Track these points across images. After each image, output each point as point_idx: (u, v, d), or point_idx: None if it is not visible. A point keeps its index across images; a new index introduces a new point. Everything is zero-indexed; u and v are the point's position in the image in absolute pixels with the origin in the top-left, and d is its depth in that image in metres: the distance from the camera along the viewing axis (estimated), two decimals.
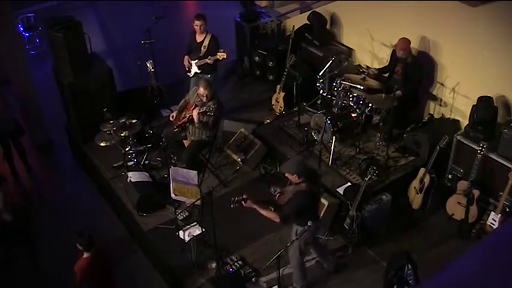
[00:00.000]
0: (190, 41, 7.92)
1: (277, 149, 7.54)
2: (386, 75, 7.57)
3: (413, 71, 7.19)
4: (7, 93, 8.44)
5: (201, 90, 6.86)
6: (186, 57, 7.90)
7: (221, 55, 7.54)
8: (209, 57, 7.59)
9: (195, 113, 6.78)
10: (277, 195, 5.62)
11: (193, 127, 7.06)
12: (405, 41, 7.14)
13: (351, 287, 6.02)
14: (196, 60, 7.79)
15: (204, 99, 6.90)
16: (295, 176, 5.28)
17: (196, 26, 7.67)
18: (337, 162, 7.13)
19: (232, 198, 5.39)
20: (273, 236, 6.48)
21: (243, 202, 5.37)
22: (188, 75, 8.02)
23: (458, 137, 6.75)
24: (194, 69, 7.86)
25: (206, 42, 7.70)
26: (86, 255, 5.26)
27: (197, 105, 6.97)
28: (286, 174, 5.37)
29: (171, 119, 7.21)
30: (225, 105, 7.54)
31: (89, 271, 5.25)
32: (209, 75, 7.82)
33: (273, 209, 5.39)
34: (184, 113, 7.15)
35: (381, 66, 7.74)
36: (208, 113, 6.77)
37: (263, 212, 5.37)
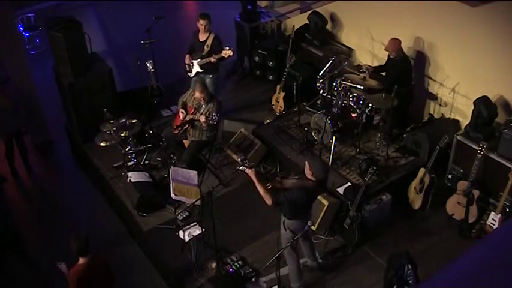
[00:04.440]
0: (192, 40, 7.91)
1: (277, 149, 7.54)
2: (384, 73, 7.57)
3: (394, 67, 7.19)
4: (10, 92, 8.43)
5: (197, 94, 6.89)
6: (187, 56, 7.90)
7: (227, 53, 7.53)
8: (213, 55, 7.59)
9: (202, 119, 6.81)
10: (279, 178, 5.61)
11: (193, 130, 7.08)
12: (394, 42, 7.14)
13: (351, 287, 6.02)
14: (198, 60, 7.77)
15: (202, 102, 6.93)
16: (312, 174, 5.29)
17: (201, 25, 7.66)
18: (337, 162, 7.13)
19: (239, 166, 5.45)
20: (273, 236, 6.46)
21: (246, 168, 5.38)
22: (189, 76, 8.01)
23: (458, 137, 6.75)
24: (196, 68, 7.85)
25: (209, 42, 7.69)
26: (81, 260, 4.94)
27: (196, 109, 6.99)
28: (306, 166, 5.36)
29: (180, 116, 7.17)
30: (224, 105, 7.55)
31: (84, 279, 4.89)
32: (211, 75, 7.83)
33: (269, 186, 5.38)
34: (185, 115, 7.14)
35: (376, 65, 7.75)
36: (211, 122, 6.80)
37: (260, 188, 5.32)
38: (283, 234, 5.54)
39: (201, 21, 7.64)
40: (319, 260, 6.14)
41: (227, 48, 7.56)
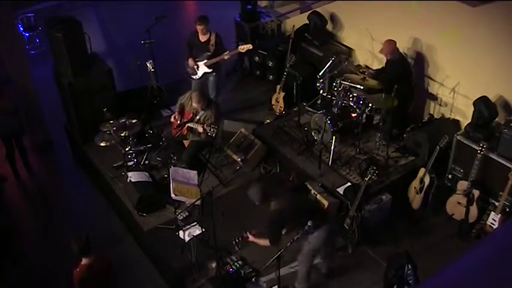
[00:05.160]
0: (191, 41, 7.90)
1: (277, 149, 7.55)
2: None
3: (393, 69, 7.19)
4: (10, 92, 8.43)
5: (195, 105, 6.90)
6: (190, 59, 7.86)
7: (245, 47, 7.55)
8: (227, 52, 7.59)
9: (200, 130, 6.83)
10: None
11: (192, 134, 7.08)
12: (389, 44, 7.13)
13: (351, 287, 6.02)
14: (205, 60, 7.75)
15: (200, 109, 6.94)
16: (260, 202, 5.38)
17: (199, 29, 7.67)
18: (337, 162, 7.13)
19: (235, 239, 5.57)
20: None
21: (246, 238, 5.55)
22: (193, 78, 7.98)
23: (458, 137, 6.75)
24: (203, 69, 7.82)
25: (213, 41, 7.68)
26: (84, 261, 4.97)
27: (194, 114, 7.00)
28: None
29: (172, 120, 7.20)
30: (224, 105, 7.55)
31: (86, 279, 4.93)
32: (214, 73, 7.87)
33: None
34: (182, 120, 7.14)
35: (379, 67, 7.75)
36: (209, 134, 6.80)
37: (262, 242, 5.47)
38: (304, 245, 5.52)
39: (198, 26, 7.67)
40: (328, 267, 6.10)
41: (242, 42, 7.57)
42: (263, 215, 5.54)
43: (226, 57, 7.62)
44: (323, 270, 6.07)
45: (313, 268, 5.97)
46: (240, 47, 7.55)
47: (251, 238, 5.54)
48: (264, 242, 5.44)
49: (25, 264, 6.80)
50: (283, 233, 5.43)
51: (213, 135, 6.80)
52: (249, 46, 7.57)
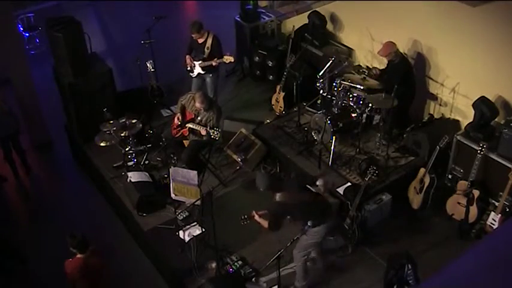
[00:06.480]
0: (191, 41, 7.92)
1: (277, 149, 7.55)
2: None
3: (396, 70, 7.18)
4: (8, 94, 8.42)
5: (198, 105, 6.91)
6: (187, 56, 7.90)
7: (228, 58, 7.62)
8: (215, 59, 7.63)
9: (203, 132, 6.83)
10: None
11: (193, 135, 7.08)
12: (387, 45, 7.12)
13: (351, 287, 6.02)
14: (200, 62, 7.78)
15: (202, 110, 6.95)
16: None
17: (192, 35, 7.71)
18: (337, 162, 7.13)
19: (242, 217, 5.61)
20: (273, 236, 6.47)
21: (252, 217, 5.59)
22: (191, 76, 8.03)
23: (458, 137, 6.75)
24: (198, 70, 7.86)
25: (209, 43, 7.70)
26: (79, 255, 5.19)
27: (195, 115, 7.00)
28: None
29: (176, 121, 7.22)
30: (224, 105, 7.55)
31: (81, 272, 5.15)
32: (211, 74, 7.86)
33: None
34: (180, 122, 7.14)
35: (383, 68, 7.75)
36: (212, 136, 6.80)
37: (264, 225, 5.51)
38: (301, 240, 5.55)
39: (191, 34, 7.69)
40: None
41: (228, 54, 7.62)
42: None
43: (213, 64, 7.66)
44: (320, 267, 6.09)
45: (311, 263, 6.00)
46: (225, 57, 7.61)
47: (256, 217, 5.58)
48: (266, 225, 5.49)
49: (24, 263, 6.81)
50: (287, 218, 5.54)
51: (217, 138, 6.81)
52: (231, 59, 7.64)
